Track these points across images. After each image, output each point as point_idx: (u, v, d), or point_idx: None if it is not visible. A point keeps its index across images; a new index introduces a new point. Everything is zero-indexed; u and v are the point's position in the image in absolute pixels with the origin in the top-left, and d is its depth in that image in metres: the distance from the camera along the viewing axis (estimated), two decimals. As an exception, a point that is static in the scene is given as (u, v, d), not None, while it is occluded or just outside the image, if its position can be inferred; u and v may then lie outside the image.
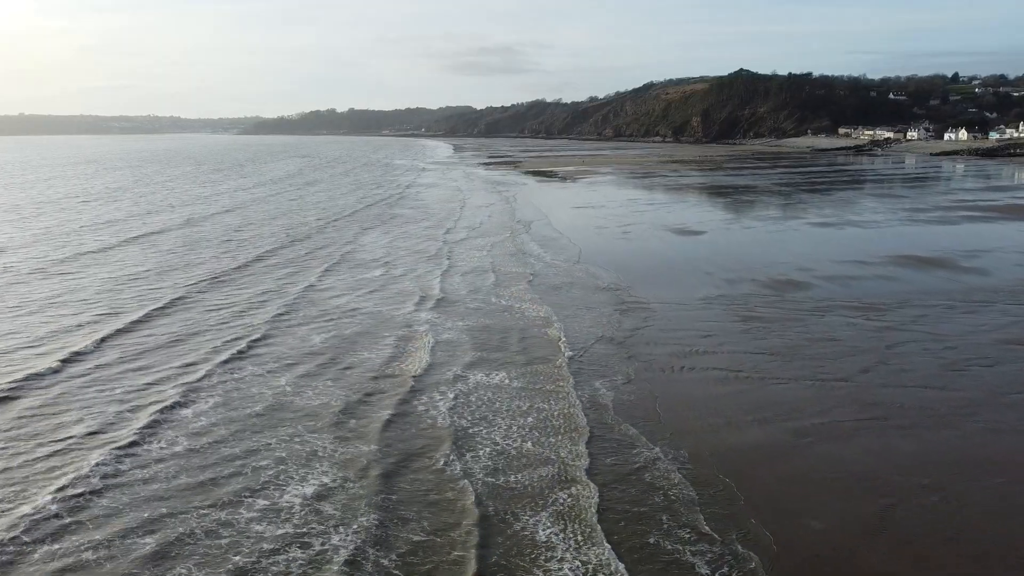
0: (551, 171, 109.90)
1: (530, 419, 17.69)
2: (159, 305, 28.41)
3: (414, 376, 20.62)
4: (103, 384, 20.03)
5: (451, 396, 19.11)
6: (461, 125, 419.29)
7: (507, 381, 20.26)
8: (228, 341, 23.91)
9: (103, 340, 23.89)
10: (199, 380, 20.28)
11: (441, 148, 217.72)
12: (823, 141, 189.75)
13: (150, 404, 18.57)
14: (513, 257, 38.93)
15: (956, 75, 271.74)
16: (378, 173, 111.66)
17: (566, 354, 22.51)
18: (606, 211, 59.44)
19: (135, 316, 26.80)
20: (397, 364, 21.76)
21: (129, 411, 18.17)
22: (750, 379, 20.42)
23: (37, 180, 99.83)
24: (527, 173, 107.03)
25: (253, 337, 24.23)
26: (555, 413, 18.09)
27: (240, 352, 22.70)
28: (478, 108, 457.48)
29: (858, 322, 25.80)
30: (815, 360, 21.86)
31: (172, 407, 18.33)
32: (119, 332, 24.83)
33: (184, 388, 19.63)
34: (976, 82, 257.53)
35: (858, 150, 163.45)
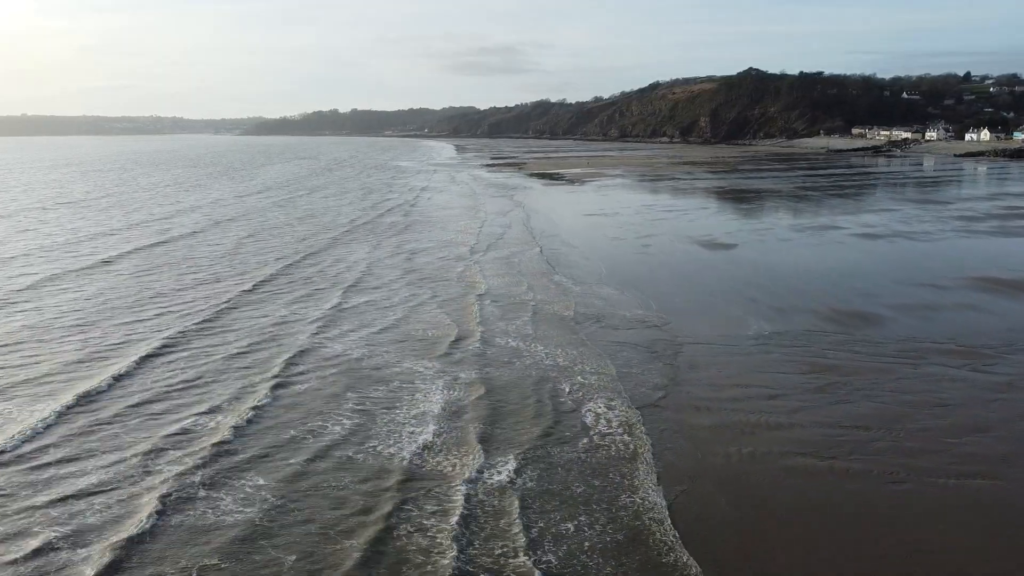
0: (558, 173, 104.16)
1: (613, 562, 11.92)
2: (113, 374, 20.27)
3: (464, 481, 14.42)
4: (17, 498, 13.99)
5: (518, 518, 13.13)
6: (464, 126, 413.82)
7: (568, 488, 14.26)
8: (200, 417, 17.52)
9: (35, 428, 16.85)
10: (153, 497, 13.76)
11: (446, 149, 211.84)
12: (838, 142, 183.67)
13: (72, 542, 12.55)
14: (537, 278, 33.23)
15: (968, 74, 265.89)
16: (388, 176, 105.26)
17: (603, 429, 16.84)
18: (621, 219, 53.74)
19: (81, 388, 19.20)
20: (433, 460, 15.43)
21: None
22: (850, 475, 14.69)
23: (16, 185, 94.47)
24: (532, 176, 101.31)
25: (236, 419, 17.35)
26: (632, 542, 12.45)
27: (212, 457, 15.45)
28: (481, 108, 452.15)
29: (964, 375, 20.07)
30: (931, 440, 16.14)
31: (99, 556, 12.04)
32: (56, 420, 17.32)
33: (129, 516, 13.21)
34: (989, 81, 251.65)
35: (876, 151, 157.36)
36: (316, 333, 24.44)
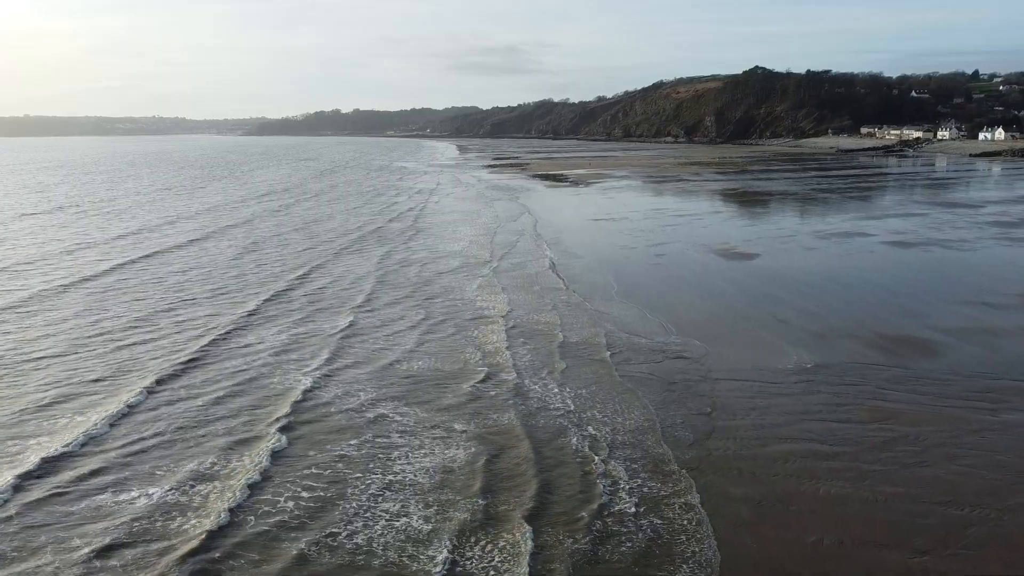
0: (562, 175, 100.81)
1: None
2: (72, 435, 16.26)
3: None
4: None
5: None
6: (466, 125, 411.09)
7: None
8: (166, 496, 13.79)
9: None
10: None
11: (449, 150, 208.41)
12: (847, 141, 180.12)
13: None
14: (552, 295, 29.87)
15: (976, 72, 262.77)
16: (394, 178, 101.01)
17: (633, 508, 13.48)
18: (630, 225, 50.34)
19: (37, 453, 15.57)
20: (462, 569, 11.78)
21: None
22: (953, 578, 11.29)
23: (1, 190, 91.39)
24: (536, 177, 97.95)
25: (210, 504, 13.52)
26: None
27: (175, 565, 11.81)
28: (484, 108, 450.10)
29: (1060, 426, 16.63)
30: (1043, 522, 12.73)
31: None
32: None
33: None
34: (998, 80, 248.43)
35: (887, 151, 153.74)
36: (318, 370, 20.67)
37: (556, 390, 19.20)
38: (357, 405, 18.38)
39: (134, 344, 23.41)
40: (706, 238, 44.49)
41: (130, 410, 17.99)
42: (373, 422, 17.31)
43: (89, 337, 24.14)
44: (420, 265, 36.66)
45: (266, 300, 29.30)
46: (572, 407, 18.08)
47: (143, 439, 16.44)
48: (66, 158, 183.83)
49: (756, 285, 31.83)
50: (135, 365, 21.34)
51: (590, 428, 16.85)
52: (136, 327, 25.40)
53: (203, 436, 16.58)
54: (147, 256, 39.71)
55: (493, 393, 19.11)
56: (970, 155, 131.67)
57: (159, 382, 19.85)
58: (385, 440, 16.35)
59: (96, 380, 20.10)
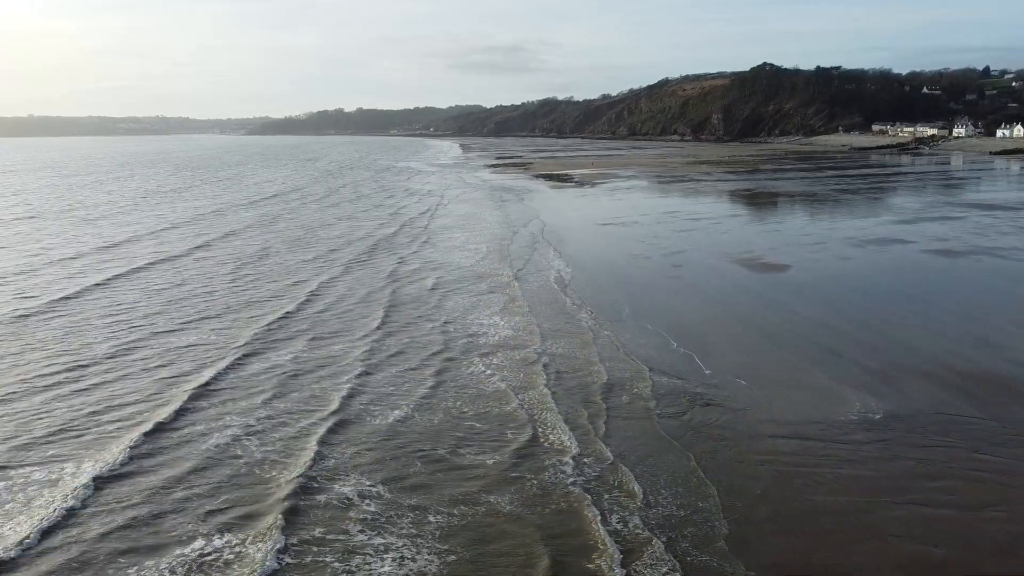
0: (566, 175, 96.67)
1: None
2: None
3: None
4: None
5: None
6: (470, 124, 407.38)
7: None
8: None
9: None
10: None
11: (452, 149, 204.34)
12: (859, 139, 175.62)
13: None
14: (564, 320, 25.82)
15: (987, 69, 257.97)
16: (402, 179, 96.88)
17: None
18: (641, 231, 46.27)
19: None
20: None
21: None
22: None
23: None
24: (539, 177, 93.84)
25: None
26: None
27: None
28: (487, 107, 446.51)
29: None
30: None
31: None
32: None
33: None
34: (1010, 76, 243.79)
35: (902, 148, 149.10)
36: (320, 429, 16.49)
37: (609, 454, 15.16)
38: (375, 485, 14.19)
39: (84, 391, 19.19)
40: (726, 246, 40.41)
41: (65, 507, 13.39)
42: (405, 513, 13.25)
43: (33, 378, 20.12)
44: (434, 281, 32.29)
45: (264, 327, 24.90)
46: (625, 485, 14.04)
47: (71, 544, 12.44)
48: (64, 158, 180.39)
49: (792, 304, 27.72)
50: (78, 427, 17.09)
51: (653, 521, 12.80)
52: (93, 366, 21.10)
53: (153, 546, 12.38)
54: (126, 273, 34.58)
55: (539, 459, 15.09)
56: (990, 152, 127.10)
57: (124, 461, 15.20)
58: (431, 559, 12.31)
59: (23, 447, 16.01)
